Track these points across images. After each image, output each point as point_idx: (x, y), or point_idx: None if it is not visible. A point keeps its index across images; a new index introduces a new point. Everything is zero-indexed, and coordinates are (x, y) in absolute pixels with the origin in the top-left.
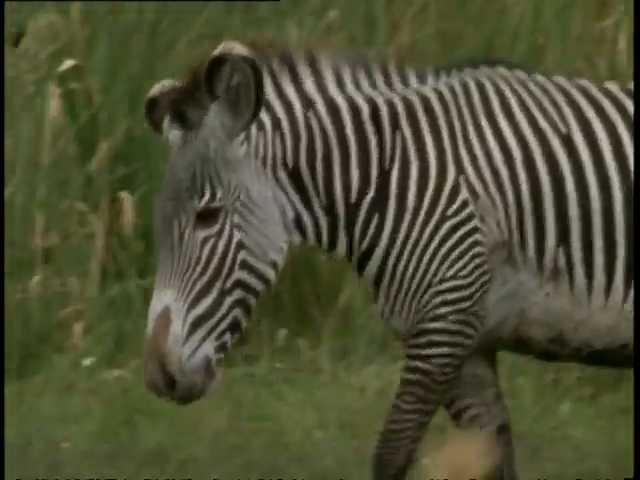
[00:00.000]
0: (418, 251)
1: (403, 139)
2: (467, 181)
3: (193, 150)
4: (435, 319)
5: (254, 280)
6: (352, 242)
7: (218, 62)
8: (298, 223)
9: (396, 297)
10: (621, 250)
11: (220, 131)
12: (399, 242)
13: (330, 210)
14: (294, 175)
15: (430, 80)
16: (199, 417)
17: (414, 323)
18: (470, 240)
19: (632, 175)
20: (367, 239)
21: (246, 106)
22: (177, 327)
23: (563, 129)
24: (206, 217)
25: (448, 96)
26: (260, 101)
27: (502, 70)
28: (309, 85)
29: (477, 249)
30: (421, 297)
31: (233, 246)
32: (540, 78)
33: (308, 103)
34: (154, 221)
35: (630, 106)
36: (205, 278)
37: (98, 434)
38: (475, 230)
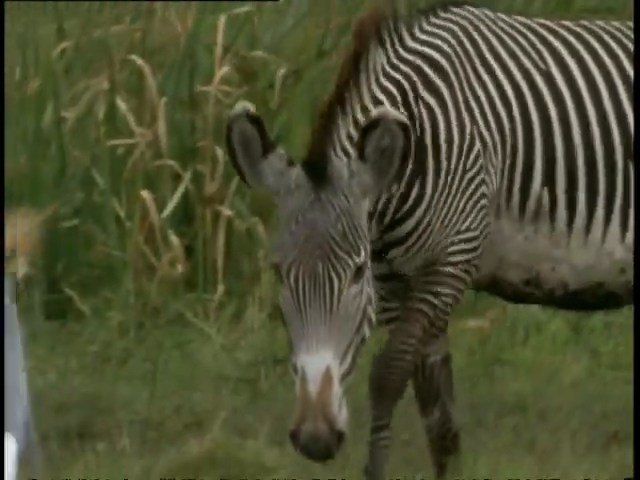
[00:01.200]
0: (446, 205)
1: (427, 105)
2: (479, 132)
3: (334, 206)
4: (447, 265)
5: (368, 333)
6: (382, 216)
7: (373, 125)
8: None
9: (420, 248)
10: (602, 186)
11: (356, 188)
12: (434, 201)
13: (373, 211)
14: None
15: (418, 32)
16: (557, 367)
17: (425, 267)
18: (479, 193)
19: (607, 110)
20: (407, 204)
21: (390, 169)
22: (338, 388)
23: (542, 66)
24: (358, 274)
25: (447, 49)
26: (405, 165)
27: (473, 11)
28: None
29: (484, 201)
30: (437, 246)
31: (366, 301)
32: (505, 17)
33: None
34: (292, 278)
35: (592, 40)
36: (351, 334)
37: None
38: (483, 182)
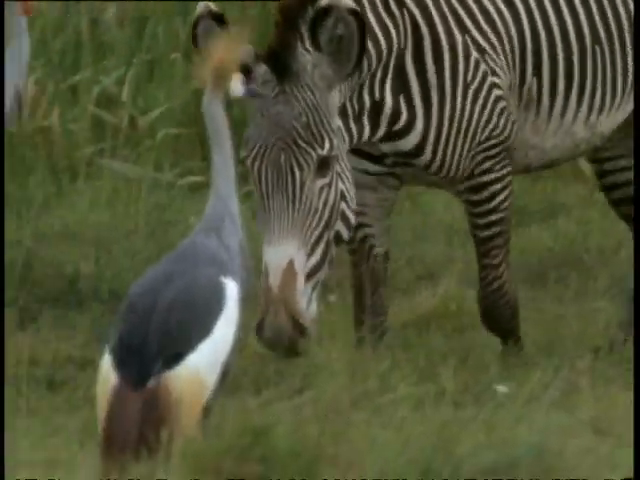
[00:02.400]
0: (455, 124)
1: (411, 15)
2: (473, 40)
3: (298, 99)
4: (484, 172)
5: (345, 230)
6: (376, 125)
7: (324, 12)
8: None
9: (440, 167)
10: (576, 71)
11: (319, 81)
12: (434, 120)
13: (360, 113)
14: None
15: None
16: None
17: (464, 177)
18: (492, 98)
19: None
20: (401, 120)
21: (347, 58)
22: (302, 282)
23: None
24: (323, 166)
25: None
26: (362, 54)
27: None
28: None
29: (501, 104)
30: (464, 161)
31: (338, 196)
32: None
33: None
34: (256, 170)
35: None
36: (319, 229)
37: None
38: (493, 86)
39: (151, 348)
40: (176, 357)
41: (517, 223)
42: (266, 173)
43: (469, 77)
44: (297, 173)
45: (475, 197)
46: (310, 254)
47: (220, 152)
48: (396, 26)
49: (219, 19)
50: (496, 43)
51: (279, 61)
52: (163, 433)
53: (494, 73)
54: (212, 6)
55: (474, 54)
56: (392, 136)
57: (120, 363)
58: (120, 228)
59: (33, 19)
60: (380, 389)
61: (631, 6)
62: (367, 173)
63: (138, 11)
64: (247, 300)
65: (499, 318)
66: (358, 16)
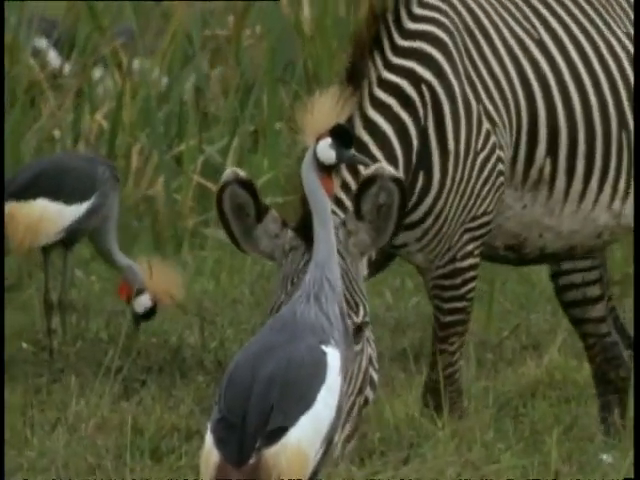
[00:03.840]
0: (460, 190)
1: (429, 85)
2: (485, 110)
3: None
4: (465, 257)
5: (371, 395)
6: None
7: (369, 181)
8: None
9: (434, 236)
10: (599, 155)
11: (354, 248)
12: (446, 186)
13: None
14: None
15: (417, 9)
16: None
17: (444, 262)
18: (496, 171)
19: (599, 78)
20: (415, 195)
21: (385, 226)
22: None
23: (535, 34)
24: (358, 333)
25: (446, 22)
26: (401, 223)
27: None
28: None
29: (501, 179)
30: (454, 235)
31: (366, 361)
32: None
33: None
34: None
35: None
36: (354, 396)
37: None
38: (499, 160)
39: (251, 424)
40: (277, 432)
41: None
42: None
43: (479, 146)
44: None
45: (447, 282)
46: (345, 422)
47: (319, 218)
48: (415, 115)
49: (246, 185)
50: (505, 117)
51: (308, 228)
52: None
53: (500, 147)
54: (240, 172)
55: (486, 124)
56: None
57: (221, 441)
58: (224, 298)
59: (136, 88)
60: (485, 458)
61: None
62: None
63: (242, 80)
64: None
65: (441, 401)
66: (401, 185)
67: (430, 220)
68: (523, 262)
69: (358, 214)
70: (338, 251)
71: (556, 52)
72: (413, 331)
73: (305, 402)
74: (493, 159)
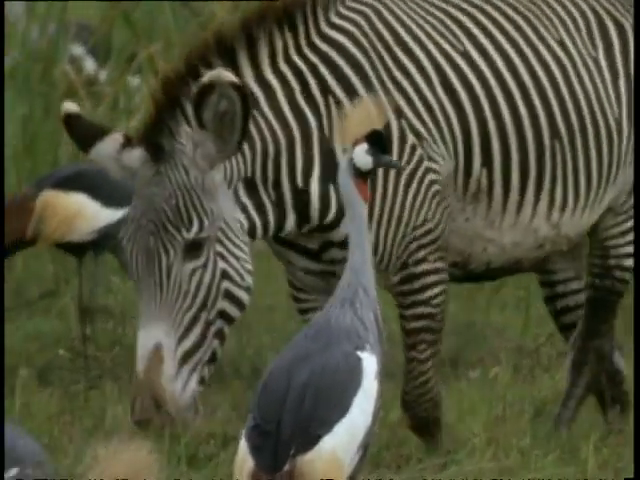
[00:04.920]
0: (387, 206)
1: (337, 101)
2: (409, 124)
3: (171, 180)
4: (418, 263)
5: (234, 308)
6: (304, 217)
7: (207, 89)
8: (251, 230)
9: (375, 250)
10: (532, 166)
11: (201, 160)
12: (374, 203)
13: (279, 201)
14: (249, 183)
15: (334, 17)
16: None
17: (397, 269)
18: (427, 181)
19: (527, 85)
20: (331, 211)
21: (231, 135)
22: (170, 366)
23: (459, 46)
24: (193, 248)
25: (358, 36)
26: (246, 130)
27: None
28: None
29: (435, 188)
30: (398, 247)
31: (217, 276)
32: None
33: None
34: (128, 252)
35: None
36: (192, 311)
37: None
38: (428, 171)
39: (285, 431)
40: (311, 439)
41: None
42: (137, 256)
43: (404, 161)
44: (163, 257)
45: (405, 287)
46: (183, 337)
47: (355, 224)
48: (317, 113)
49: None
50: (434, 129)
51: (153, 141)
52: None
53: (430, 159)
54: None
55: (410, 138)
56: (323, 228)
57: (255, 448)
58: (260, 305)
59: None
60: (522, 465)
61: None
62: (308, 272)
63: None
64: (385, 372)
65: (420, 413)
66: (241, 90)
67: None
68: (470, 279)
69: (199, 123)
70: (184, 165)
71: (482, 63)
72: (449, 337)
73: (340, 409)
74: (420, 172)
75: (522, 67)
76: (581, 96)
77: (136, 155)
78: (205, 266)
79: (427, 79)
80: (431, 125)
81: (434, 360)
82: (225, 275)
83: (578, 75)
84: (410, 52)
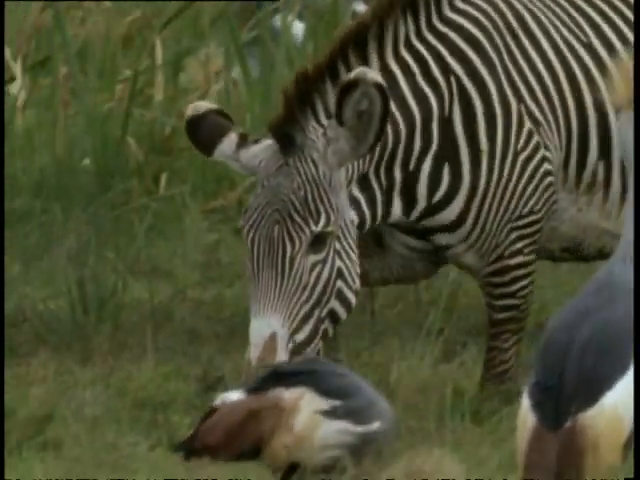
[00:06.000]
0: (499, 191)
1: (459, 82)
2: (528, 110)
3: (300, 173)
4: (514, 255)
5: (342, 309)
6: (412, 202)
7: (351, 86)
8: (361, 224)
9: (478, 237)
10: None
11: (332, 157)
12: (480, 188)
13: (389, 188)
14: (363, 177)
15: (458, 2)
16: None
17: (491, 260)
18: (541, 171)
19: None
20: (441, 190)
21: (366, 135)
22: (283, 357)
23: (584, 38)
24: (317, 242)
25: (485, 22)
26: (382, 132)
27: None
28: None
29: (548, 179)
30: (500, 234)
31: (334, 273)
32: None
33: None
34: (249, 241)
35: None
36: (309, 305)
37: None
38: (543, 160)
39: (567, 388)
40: (593, 397)
41: None
42: (258, 244)
43: (520, 146)
44: (288, 247)
45: (496, 279)
46: (297, 330)
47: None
48: (438, 94)
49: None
50: (551, 119)
51: (284, 134)
52: (581, 475)
53: (546, 147)
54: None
55: (528, 124)
56: (431, 210)
57: (536, 404)
58: None
59: None
60: None
61: None
62: (409, 248)
63: None
64: None
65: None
66: (383, 92)
67: (470, 221)
68: (582, 259)
69: (339, 119)
70: (313, 160)
71: (607, 57)
72: None
73: (622, 366)
74: (536, 159)
75: None
76: None
77: (264, 146)
78: (325, 261)
79: (550, 68)
80: (548, 112)
81: (515, 349)
82: (340, 274)
83: None
84: (535, 40)
